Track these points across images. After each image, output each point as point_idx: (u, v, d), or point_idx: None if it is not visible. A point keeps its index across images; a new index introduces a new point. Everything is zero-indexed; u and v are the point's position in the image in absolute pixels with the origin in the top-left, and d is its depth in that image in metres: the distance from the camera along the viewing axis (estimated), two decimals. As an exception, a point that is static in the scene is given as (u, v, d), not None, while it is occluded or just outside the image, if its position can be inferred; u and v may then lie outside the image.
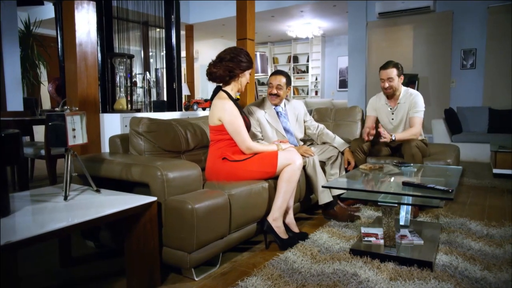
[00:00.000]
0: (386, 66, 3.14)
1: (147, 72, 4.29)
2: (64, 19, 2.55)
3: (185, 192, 1.95)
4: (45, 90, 7.47)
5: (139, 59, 4.98)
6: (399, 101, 3.20)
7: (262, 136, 2.95)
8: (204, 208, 1.83)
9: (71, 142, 1.78)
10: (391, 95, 3.20)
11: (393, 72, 3.10)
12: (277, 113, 3.01)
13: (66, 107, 1.81)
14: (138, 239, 1.79)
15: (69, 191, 1.84)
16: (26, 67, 7.04)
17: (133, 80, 4.96)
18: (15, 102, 6.16)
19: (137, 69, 4.65)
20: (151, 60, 5.00)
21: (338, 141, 3.10)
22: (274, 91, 2.94)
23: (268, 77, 3.01)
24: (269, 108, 3.00)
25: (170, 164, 1.96)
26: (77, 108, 1.86)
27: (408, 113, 3.17)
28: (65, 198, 1.74)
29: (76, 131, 1.83)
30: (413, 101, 3.14)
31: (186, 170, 1.98)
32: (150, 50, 4.85)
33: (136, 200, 1.75)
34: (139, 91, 4.80)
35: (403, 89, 3.21)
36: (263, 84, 12.33)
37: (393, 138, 3.01)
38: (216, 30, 9.90)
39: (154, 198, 1.80)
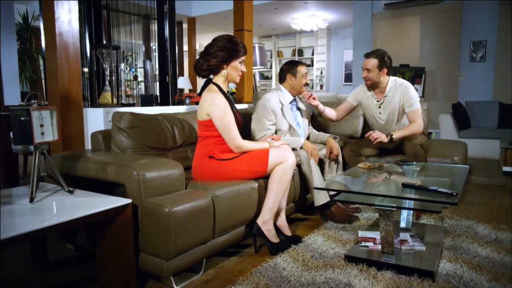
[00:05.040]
0: (368, 55, 2.88)
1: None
2: (44, 7, 2.40)
3: (165, 193, 1.80)
4: (49, 84, 7.36)
5: (141, 53, 4.85)
6: (385, 94, 2.89)
7: (274, 127, 2.75)
8: (183, 211, 1.68)
9: (38, 139, 1.63)
10: (370, 86, 2.94)
11: (371, 62, 2.83)
12: (292, 105, 2.87)
13: (33, 101, 1.66)
14: (111, 244, 1.65)
15: (38, 192, 1.72)
16: (25, 60, 6.94)
17: (134, 74, 4.83)
18: (12, 96, 6.07)
19: (145, 63, 4.54)
20: (155, 54, 4.87)
21: (321, 135, 2.99)
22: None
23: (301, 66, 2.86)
24: (285, 100, 2.82)
25: (148, 163, 1.81)
26: (46, 103, 1.71)
27: (399, 108, 2.87)
28: (31, 200, 1.60)
29: (45, 127, 1.68)
30: (404, 93, 2.83)
31: (166, 169, 1.83)
32: (152, 43, 4.72)
33: (109, 202, 1.60)
34: (141, 85, 4.67)
35: (390, 80, 2.89)
36: (267, 78, 12.15)
37: (391, 138, 2.75)
38: (219, 23, 9.71)
39: (128, 200, 1.64)
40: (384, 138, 2.74)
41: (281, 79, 2.89)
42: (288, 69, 2.83)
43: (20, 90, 6.56)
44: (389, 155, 3.00)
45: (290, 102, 2.85)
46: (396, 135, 2.78)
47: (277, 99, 2.78)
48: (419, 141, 2.71)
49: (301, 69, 2.82)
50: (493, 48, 5.85)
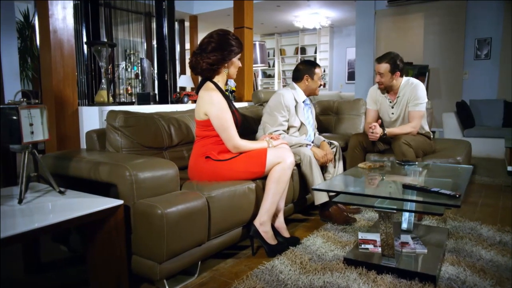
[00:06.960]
0: (380, 59, 2.89)
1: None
2: (38, 4, 2.36)
3: (159, 194, 1.75)
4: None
5: (143, 51, 4.81)
6: (398, 95, 2.92)
7: (287, 123, 2.74)
8: (176, 213, 1.63)
9: (27, 138, 1.59)
10: (383, 89, 2.97)
11: (383, 67, 2.84)
12: (304, 104, 2.85)
13: (22, 99, 1.62)
14: (103, 246, 1.60)
15: (29, 192, 1.68)
16: (26, 59, 6.92)
17: (136, 72, 4.79)
18: (13, 94, 6.05)
19: (142, 61, 4.51)
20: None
21: (316, 139, 2.92)
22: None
23: (317, 68, 2.84)
24: (299, 98, 2.81)
25: (141, 163, 1.76)
26: (36, 101, 1.67)
27: (406, 106, 2.90)
28: (20, 202, 1.56)
29: (35, 127, 1.63)
30: (413, 92, 2.85)
31: (160, 169, 1.78)
32: (154, 41, 4.68)
33: (100, 204, 1.55)
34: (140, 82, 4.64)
35: (403, 80, 2.92)
36: (269, 76, 12.08)
37: (384, 134, 2.81)
38: (221, 21, 9.64)
39: (120, 202, 1.60)
40: (380, 131, 2.80)
41: (297, 78, 2.85)
42: (306, 69, 2.81)
43: (22, 88, 6.55)
44: (392, 155, 2.94)
45: (303, 101, 2.84)
46: (389, 131, 2.84)
47: (291, 96, 2.78)
48: (403, 139, 2.69)
49: (318, 71, 2.82)
50: (498, 46, 5.75)
